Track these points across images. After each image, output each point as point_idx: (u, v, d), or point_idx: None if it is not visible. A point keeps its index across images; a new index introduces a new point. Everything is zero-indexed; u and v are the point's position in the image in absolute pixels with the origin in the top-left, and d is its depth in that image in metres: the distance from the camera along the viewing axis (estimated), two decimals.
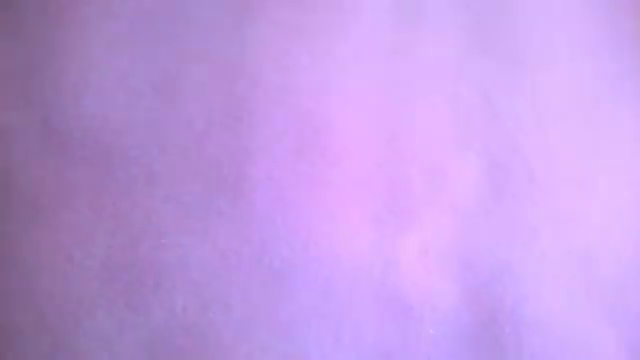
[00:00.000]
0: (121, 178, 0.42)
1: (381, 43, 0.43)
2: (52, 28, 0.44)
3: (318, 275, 0.40)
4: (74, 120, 0.43)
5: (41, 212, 0.42)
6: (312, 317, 0.40)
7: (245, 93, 0.43)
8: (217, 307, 0.40)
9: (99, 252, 0.41)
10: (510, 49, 0.43)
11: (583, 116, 0.42)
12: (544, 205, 0.41)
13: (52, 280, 0.40)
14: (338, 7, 0.43)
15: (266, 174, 0.42)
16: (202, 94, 0.43)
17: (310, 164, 0.42)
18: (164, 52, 0.44)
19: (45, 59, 0.44)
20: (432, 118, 0.42)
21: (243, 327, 0.40)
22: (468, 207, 0.41)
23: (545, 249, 0.40)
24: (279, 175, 0.42)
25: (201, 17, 0.44)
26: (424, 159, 0.42)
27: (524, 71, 0.43)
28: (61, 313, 0.40)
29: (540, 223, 0.41)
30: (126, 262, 0.41)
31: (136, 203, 0.42)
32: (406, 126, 0.42)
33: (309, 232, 0.41)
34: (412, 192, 0.42)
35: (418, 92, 0.43)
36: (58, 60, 0.44)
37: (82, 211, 0.42)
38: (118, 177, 0.42)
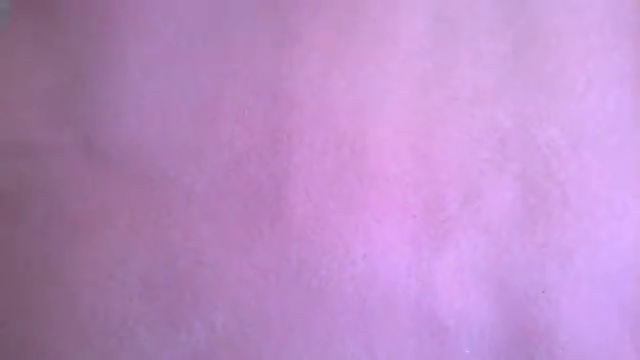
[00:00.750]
0: (160, 197, 0.43)
1: (417, 68, 0.43)
2: (92, 47, 0.45)
3: (354, 294, 0.41)
4: (114, 139, 0.44)
5: (81, 230, 0.42)
6: (348, 335, 0.41)
7: (283, 114, 0.43)
8: (256, 324, 0.41)
9: (139, 270, 0.42)
10: (545, 76, 0.43)
11: (618, 141, 0.43)
12: (578, 228, 0.42)
13: (94, 298, 0.41)
14: (375, 33, 0.44)
15: (305, 195, 0.42)
16: (241, 115, 0.43)
17: (347, 185, 0.42)
18: (202, 74, 0.44)
19: (85, 78, 0.44)
20: (468, 141, 0.43)
21: (282, 344, 0.40)
22: (503, 229, 0.42)
23: (579, 272, 0.41)
24: (317, 196, 0.42)
25: (239, 39, 0.44)
26: (460, 181, 0.43)
27: (559, 97, 0.43)
28: (104, 331, 0.41)
29: (574, 246, 0.41)
30: (166, 280, 0.41)
31: (175, 222, 0.42)
32: (442, 148, 0.43)
33: (346, 252, 0.42)
34: (448, 213, 0.42)
35: (453, 116, 0.44)
36: (98, 79, 0.44)
37: (122, 230, 0.42)
38: (157, 196, 0.43)
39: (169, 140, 0.43)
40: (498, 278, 0.41)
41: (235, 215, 0.42)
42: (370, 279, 0.41)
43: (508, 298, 0.41)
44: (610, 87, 0.44)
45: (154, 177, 0.43)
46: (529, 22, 0.44)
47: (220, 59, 0.44)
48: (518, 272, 0.41)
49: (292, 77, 0.44)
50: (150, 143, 0.43)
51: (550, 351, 0.40)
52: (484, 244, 0.42)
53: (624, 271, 0.41)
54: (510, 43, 0.44)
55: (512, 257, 0.42)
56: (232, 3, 0.45)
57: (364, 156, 0.43)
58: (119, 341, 0.40)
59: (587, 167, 0.43)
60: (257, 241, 0.42)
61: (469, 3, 0.44)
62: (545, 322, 0.40)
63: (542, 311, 0.40)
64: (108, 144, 0.43)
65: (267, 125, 0.43)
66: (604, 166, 0.43)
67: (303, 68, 0.44)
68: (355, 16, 0.45)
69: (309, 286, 0.41)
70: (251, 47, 0.44)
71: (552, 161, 0.43)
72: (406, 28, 0.44)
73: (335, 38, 0.44)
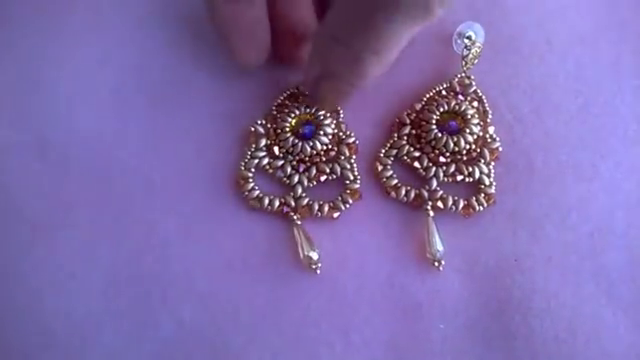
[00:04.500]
0: (120, 190, 0.41)
1: None
2: (42, 41, 0.43)
3: (325, 277, 0.40)
4: (70, 133, 0.42)
5: (41, 230, 0.41)
6: (321, 319, 0.39)
7: (244, 100, 0.42)
8: (225, 315, 0.39)
9: (102, 267, 0.40)
10: (503, 40, 0.43)
11: (582, 103, 0.42)
12: (546, 195, 0.40)
13: (56, 298, 0.40)
14: None
15: None
16: (199, 102, 0.42)
17: None
18: (156, 61, 0.43)
19: (36, 73, 0.43)
20: None
21: (252, 333, 0.39)
22: None
23: (550, 238, 0.40)
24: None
25: (194, 24, 0.43)
26: None
27: (519, 62, 0.43)
28: (69, 331, 0.39)
29: (543, 213, 0.40)
30: (131, 276, 0.40)
31: (137, 215, 0.41)
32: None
33: (314, 234, 0.40)
34: None
35: (407, 84, 0.43)
36: (50, 74, 0.43)
37: (82, 227, 0.41)
38: (117, 190, 0.41)
39: (127, 131, 0.42)
40: (469, 252, 0.40)
41: (198, 204, 0.41)
42: (340, 260, 0.40)
43: (481, 271, 0.40)
44: (572, 50, 0.43)
45: (113, 170, 0.42)
46: None
47: (175, 44, 0.43)
48: (489, 245, 0.40)
49: None
50: (108, 135, 0.42)
51: (527, 320, 0.39)
52: (451, 217, 0.41)
53: (596, 233, 0.40)
54: (467, 4, 0.43)
55: (482, 230, 0.41)
56: None
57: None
58: (83, 339, 0.39)
59: (552, 133, 0.42)
60: (221, 230, 0.41)
61: None
62: (520, 291, 0.39)
63: (516, 281, 0.40)
64: (64, 139, 0.42)
65: (227, 111, 0.42)
66: (569, 131, 0.42)
67: None
68: None
69: (277, 272, 0.40)
70: (207, 31, 0.43)
71: (516, 128, 0.42)
72: None
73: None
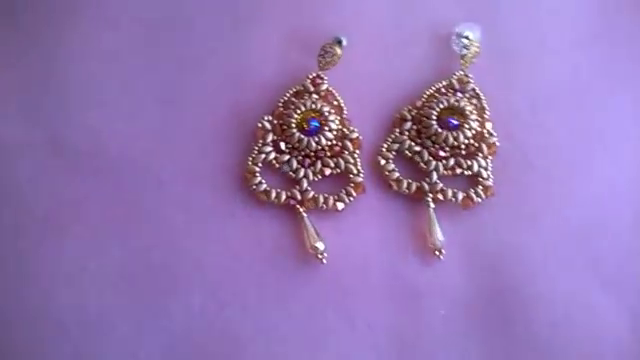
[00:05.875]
0: (131, 187, 0.43)
1: (380, 39, 0.44)
2: (52, 43, 0.44)
3: (330, 267, 0.41)
4: (80, 133, 0.43)
5: (52, 226, 0.42)
6: (327, 308, 0.41)
7: (250, 100, 0.44)
8: (234, 305, 0.41)
9: (113, 261, 0.41)
10: (500, 40, 0.44)
11: (576, 101, 0.44)
12: (542, 188, 0.42)
13: (69, 292, 0.41)
14: (339, 10, 0.44)
15: None
16: (206, 102, 0.43)
17: None
18: (165, 61, 0.44)
19: (48, 74, 0.44)
20: None
21: (260, 322, 0.40)
22: None
23: (546, 230, 0.42)
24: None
25: (201, 24, 0.44)
26: None
27: (516, 61, 0.44)
28: (82, 325, 0.40)
29: (540, 205, 0.42)
30: (141, 269, 0.41)
31: (147, 211, 0.42)
32: None
33: (319, 227, 0.42)
34: None
35: (407, 82, 0.44)
36: (60, 73, 0.44)
37: (93, 223, 0.42)
38: (128, 187, 0.43)
39: (136, 130, 0.43)
40: (469, 242, 0.42)
41: (206, 201, 0.42)
42: (344, 251, 0.42)
43: (480, 260, 0.42)
44: (570, 51, 0.45)
45: (124, 167, 0.43)
46: None
47: (181, 43, 0.44)
48: (488, 235, 0.42)
49: (258, 62, 0.44)
50: (118, 134, 0.43)
51: (524, 307, 0.41)
52: (451, 209, 0.43)
53: (590, 225, 0.42)
54: (467, 10, 0.45)
55: (481, 222, 0.42)
56: None
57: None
58: (97, 333, 0.40)
59: (547, 129, 0.44)
60: (229, 225, 0.42)
61: None
62: (517, 279, 0.41)
63: (513, 269, 0.41)
64: (76, 139, 0.43)
65: (233, 111, 0.44)
66: (564, 127, 0.44)
67: (270, 52, 0.44)
68: None
69: (285, 264, 0.41)
70: (214, 32, 0.44)
71: (513, 125, 0.44)
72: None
73: (298, 19, 0.44)
